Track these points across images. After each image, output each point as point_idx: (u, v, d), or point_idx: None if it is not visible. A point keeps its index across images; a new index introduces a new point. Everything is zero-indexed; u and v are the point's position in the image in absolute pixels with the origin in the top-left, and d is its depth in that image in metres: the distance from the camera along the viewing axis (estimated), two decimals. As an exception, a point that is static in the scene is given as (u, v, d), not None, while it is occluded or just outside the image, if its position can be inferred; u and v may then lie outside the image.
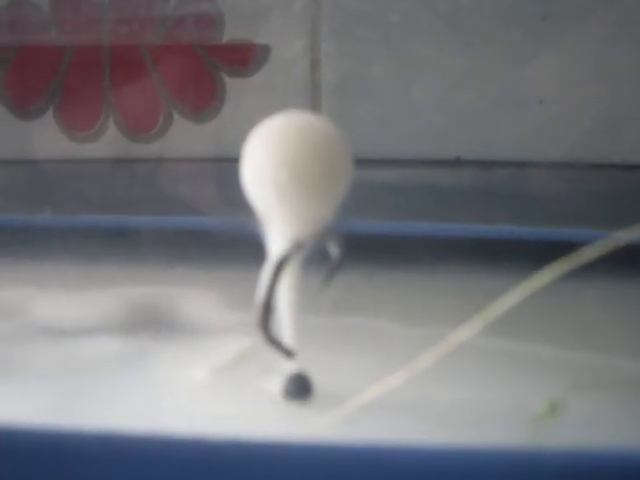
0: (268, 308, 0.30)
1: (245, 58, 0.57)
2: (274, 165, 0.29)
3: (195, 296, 0.41)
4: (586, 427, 0.29)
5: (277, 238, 0.30)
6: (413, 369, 0.28)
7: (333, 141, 0.29)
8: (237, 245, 0.37)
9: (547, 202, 0.52)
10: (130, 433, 0.26)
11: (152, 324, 0.38)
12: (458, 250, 0.45)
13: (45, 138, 0.58)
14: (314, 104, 0.57)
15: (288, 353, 0.31)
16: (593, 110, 0.55)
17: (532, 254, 0.44)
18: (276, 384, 0.31)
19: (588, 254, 0.26)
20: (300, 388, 0.31)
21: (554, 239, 0.46)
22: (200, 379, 0.33)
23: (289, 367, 0.31)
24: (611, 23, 0.54)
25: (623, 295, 0.41)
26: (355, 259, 0.33)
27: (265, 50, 0.57)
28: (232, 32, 0.57)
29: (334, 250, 0.32)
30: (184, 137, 0.58)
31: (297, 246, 0.30)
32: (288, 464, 0.25)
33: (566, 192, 0.53)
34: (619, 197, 0.53)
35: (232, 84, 0.57)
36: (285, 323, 0.31)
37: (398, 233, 0.47)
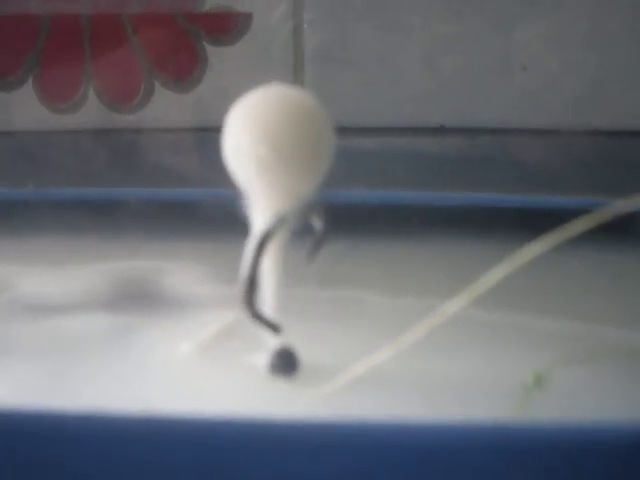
0: (252, 283, 0.29)
1: (227, 26, 0.56)
2: (255, 139, 0.28)
3: (180, 270, 0.41)
4: (574, 399, 0.29)
5: (260, 213, 0.30)
6: (401, 344, 0.28)
7: (315, 115, 0.29)
8: (222, 217, 0.37)
9: (532, 169, 0.52)
10: (116, 413, 0.26)
11: (138, 299, 0.38)
12: (443, 218, 0.45)
13: (25, 109, 0.58)
14: (296, 72, 0.56)
15: (274, 328, 0.30)
16: (577, 76, 0.55)
17: (517, 221, 0.44)
18: (262, 359, 0.31)
19: (577, 227, 0.26)
20: (286, 363, 0.31)
21: (539, 206, 0.45)
22: (186, 354, 0.33)
23: (275, 342, 0.31)
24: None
25: (611, 265, 0.41)
26: (339, 229, 0.32)
27: (247, 18, 0.56)
28: (213, 0, 0.56)
29: (318, 224, 0.31)
30: (166, 107, 0.58)
31: (280, 221, 0.30)
32: (275, 441, 0.25)
33: (551, 159, 0.53)
34: (604, 163, 0.53)
35: (214, 53, 0.57)
36: (268, 297, 0.31)
37: (382, 202, 0.46)
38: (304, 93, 0.29)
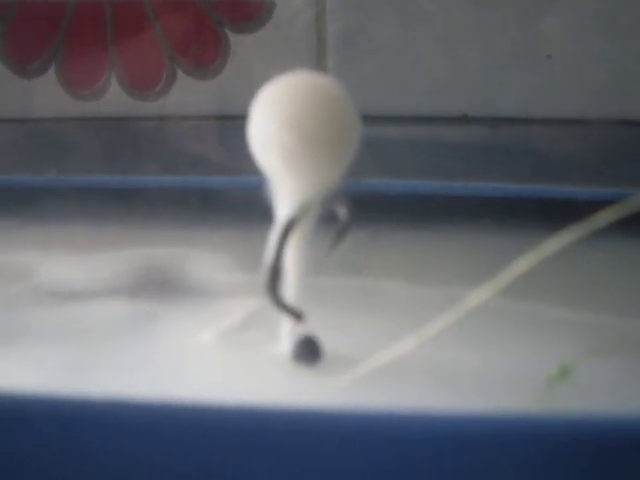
0: (276, 271, 0.29)
1: (249, 13, 0.56)
2: (281, 127, 0.28)
3: (203, 257, 0.41)
4: (598, 391, 0.28)
5: (284, 201, 0.30)
6: (424, 334, 0.27)
7: (341, 103, 0.29)
8: (246, 204, 0.37)
9: (555, 159, 0.51)
10: (136, 400, 0.26)
11: (160, 286, 0.38)
12: (465, 208, 0.45)
13: (47, 96, 0.58)
14: (319, 59, 0.56)
15: (297, 316, 0.30)
16: (602, 65, 0.54)
17: (540, 212, 0.44)
18: (285, 347, 0.31)
19: (603, 218, 0.25)
20: (309, 351, 0.31)
21: (562, 197, 0.45)
22: (209, 343, 0.33)
23: (298, 330, 0.31)
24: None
25: (637, 256, 0.40)
26: (363, 218, 0.32)
27: (269, 5, 0.56)
28: (236, -13, 0.56)
29: (342, 212, 0.31)
30: (188, 94, 0.57)
31: (305, 209, 0.30)
32: (297, 429, 0.25)
33: (575, 149, 0.52)
34: (629, 154, 0.52)
35: (236, 40, 0.57)
36: (291, 286, 0.31)
37: (405, 191, 0.46)
38: (330, 80, 0.29)
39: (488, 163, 0.52)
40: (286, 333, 0.31)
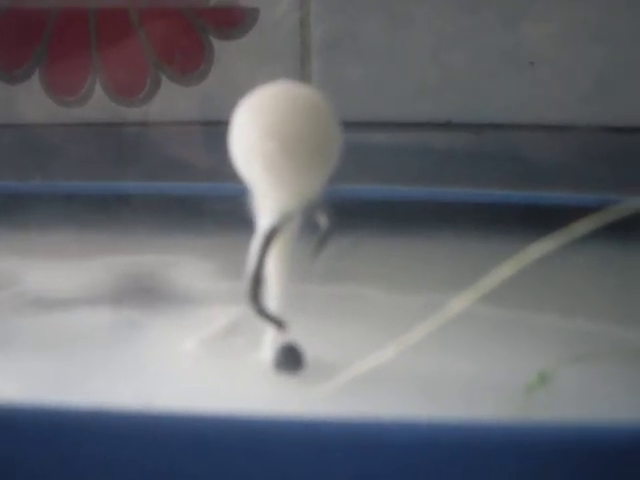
0: (258, 280, 0.29)
1: (233, 20, 0.56)
2: (262, 136, 0.28)
3: (186, 265, 0.41)
4: (579, 397, 0.28)
5: (266, 209, 0.30)
6: (406, 341, 0.27)
7: (322, 112, 0.29)
8: (228, 212, 0.37)
9: (539, 165, 0.52)
10: (119, 409, 0.26)
11: (143, 294, 0.38)
12: (450, 215, 0.45)
13: (31, 102, 0.58)
14: (303, 65, 0.56)
15: (279, 324, 0.30)
16: (586, 72, 0.54)
17: (524, 218, 0.44)
18: (267, 355, 0.31)
19: (586, 225, 0.25)
20: (291, 359, 0.31)
21: (546, 203, 0.45)
22: (191, 350, 0.32)
23: (281, 338, 0.31)
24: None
25: (619, 263, 0.41)
26: (345, 225, 0.32)
27: (253, 12, 0.56)
28: (220, -6, 0.56)
29: (323, 220, 0.31)
30: (172, 100, 0.57)
31: (286, 218, 0.30)
32: (278, 438, 0.25)
33: (559, 155, 0.53)
34: (613, 160, 0.52)
35: (220, 46, 0.57)
36: (274, 294, 0.31)
37: (388, 198, 0.46)
38: (312, 90, 0.29)
39: (473, 169, 0.52)
40: (269, 341, 0.31)
